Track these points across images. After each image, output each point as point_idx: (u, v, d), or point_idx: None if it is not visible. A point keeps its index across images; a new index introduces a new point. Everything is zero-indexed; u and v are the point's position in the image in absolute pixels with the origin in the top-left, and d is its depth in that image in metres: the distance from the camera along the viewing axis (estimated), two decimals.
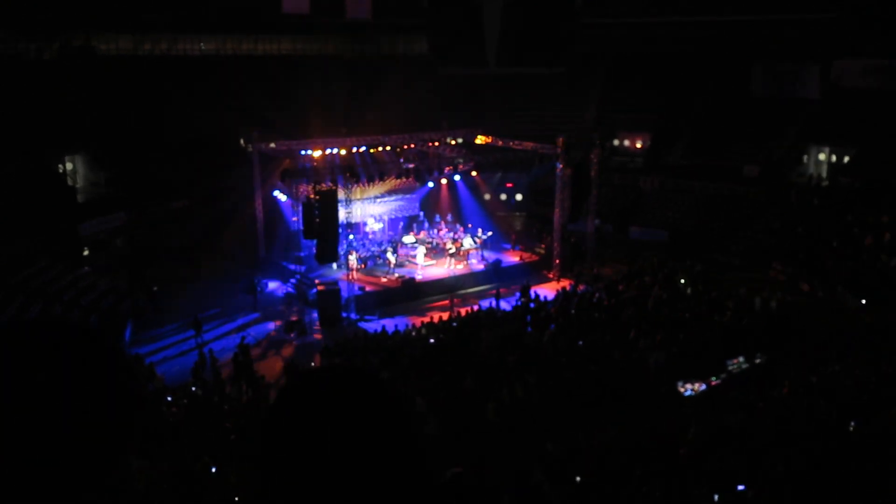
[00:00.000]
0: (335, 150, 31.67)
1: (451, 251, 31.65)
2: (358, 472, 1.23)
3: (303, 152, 31.37)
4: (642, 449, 15.48)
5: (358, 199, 32.35)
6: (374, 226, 34.33)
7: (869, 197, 32.99)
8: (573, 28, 48.67)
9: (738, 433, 15.86)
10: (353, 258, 29.64)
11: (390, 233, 34.47)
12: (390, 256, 30.98)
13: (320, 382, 1.33)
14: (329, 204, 27.21)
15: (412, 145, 34.23)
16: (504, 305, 27.96)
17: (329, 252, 28.02)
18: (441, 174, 33.50)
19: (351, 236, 29.92)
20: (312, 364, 23.01)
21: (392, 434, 1.28)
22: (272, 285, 31.13)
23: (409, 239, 33.20)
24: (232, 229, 33.45)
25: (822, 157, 40.14)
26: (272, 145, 32.01)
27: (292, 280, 31.35)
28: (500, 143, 34.80)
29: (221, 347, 24.26)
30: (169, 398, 19.05)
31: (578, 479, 14.06)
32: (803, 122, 41.18)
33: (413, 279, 30.06)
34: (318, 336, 26.43)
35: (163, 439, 15.03)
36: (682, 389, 20.11)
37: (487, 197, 37.85)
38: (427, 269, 31.40)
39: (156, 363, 22.44)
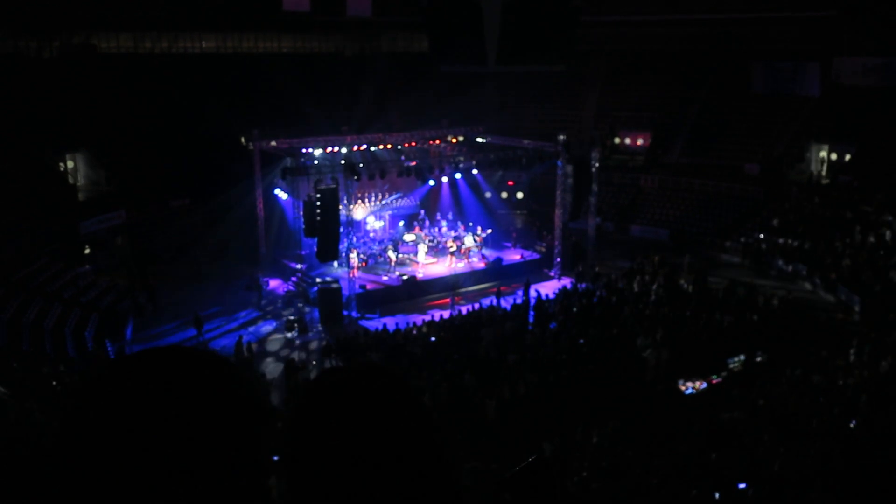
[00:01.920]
0: (336, 148, 31.68)
1: (451, 249, 31.65)
2: (385, 474, 1.23)
3: (304, 150, 31.37)
4: (643, 447, 15.51)
5: (359, 197, 32.39)
6: (374, 224, 34.35)
7: (869, 195, 32.99)
8: (573, 26, 48.60)
9: (738, 431, 15.88)
10: (354, 256, 29.67)
11: (391, 231, 34.49)
12: (391, 254, 31.00)
13: (347, 382, 1.32)
14: (330, 202, 27.20)
15: (413, 143, 34.24)
16: (505, 304, 27.97)
17: (330, 250, 28.03)
18: (442, 172, 33.51)
19: (352, 236, 29.93)
20: (321, 363, 23.04)
21: (419, 436, 1.29)
22: (273, 283, 31.14)
23: (409, 237, 33.22)
24: (233, 227, 33.43)
25: (822, 154, 40.12)
26: (273, 143, 32.00)
27: (293, 278, 31.36)
28: (501, 141, 34.81)
29: (222, 346, 24.29)
30: None
31: (579, 476, 14.09)
32: (803, 120, 41.15)
33: (414, 277, 30.08)
34: (319, 334, 26.44)
35: None
36: (682, 387, 20.15)
37: (488, 195, 37.86)
38: (428, 267, 31.42)
39: None
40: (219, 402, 1.22)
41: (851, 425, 15.43)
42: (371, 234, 33.78)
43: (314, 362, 23.19)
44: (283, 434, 1.29)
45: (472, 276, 31.05)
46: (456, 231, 33.75)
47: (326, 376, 1.35)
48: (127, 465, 1.13)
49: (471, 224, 34.26)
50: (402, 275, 30.17)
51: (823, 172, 39.31)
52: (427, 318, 25.86)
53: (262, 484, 1.24)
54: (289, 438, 1.28)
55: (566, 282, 30.47)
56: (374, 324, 26.49)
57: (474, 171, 34.35)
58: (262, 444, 1.25)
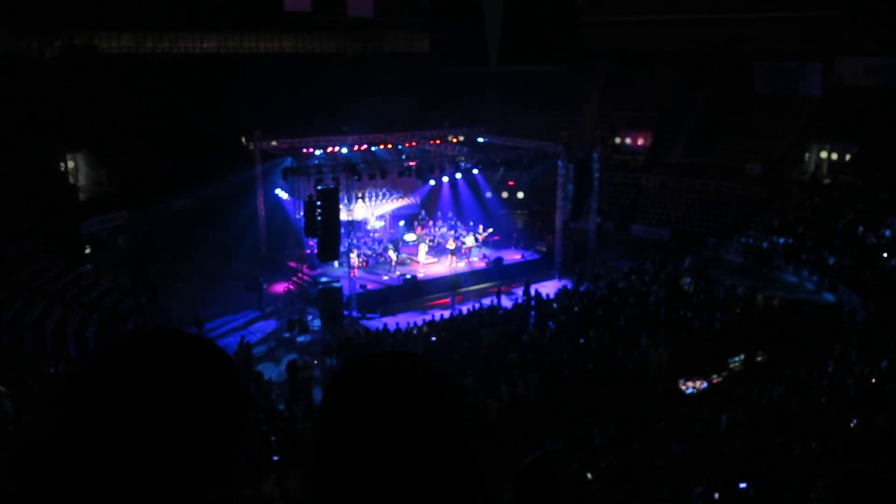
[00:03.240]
0: (337, 148, 31.70)
1: (452, 249, 31.68)
2: (414, 463, 1.21)
3: (305, 150, 31.39)
4: (644, 446, 15.50)
5: (359, 197, 32.41)
6: (375, 224, 34.36)
7: (871, 195, 32.96)
8: (574, 26, 48.67)
9: (739, 431, 15.88)
10: (354, 256, 29.69)
11: (392, 231, 34.51)
12: (392, 254, 31.01)
13: (376, 369, 1.30)
14: (330, 202, 27.22)
15: (414, 143, 34.25)
16: (505, 303, 27.96)
17: (331, 250, 28.03)
18: (443, 172, 33.52)
19: (353, 236, 29.96)
20: (322, 363, 23.03)
21: (449, 423, 1.27)
22: (274, 283, 31.14)
23: (410, 237, 33.24)
24: (234, 227, 33.46)
25: (823, 154, 40.09)
26: (274, 143, 32.02)
27: (294, 278, 31.37)
28: (502, 141, 34.81)
29: (223, 346, 24.21)
30: None
31: (579, 476, 14.08)
32: (805, 120, 41.14)
33: (414, 277, 30.07)
34: (319, 334, 26.43)
35: None
36: (683, 387, 20.14)
37: (489, 195, 37.87)
38: (428, 266, 31.42)
39: None
40: (207, 386, 1.23)
41: (852, 425, 15.42)
42: (372, 234, 33.80)
43: (315, 362, 23.19)
44: (313, 424, 1.28)
45: (473, 276, 31.04)
46: (456, 231, 33.76)
47: (356, 365, 1.33)
48: (118, 450, 1.15)
49: (471, 224, 34.28)
50: (402, 274, 30.18)
51: (825, 172, 39.28)
52: (428, 317, 25.85)
53: (230, 469, 1.25)
54: (318, 428, 1.26)
55: (567, 282, 30.47)
56: (374, 323, 26.49)
57: (475, 171, 34.36)
58: (244, 429, 1.27)
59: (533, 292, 27.74)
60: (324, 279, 28.71)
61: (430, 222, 34.54)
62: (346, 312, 27.93)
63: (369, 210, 33.90)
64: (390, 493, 1.19)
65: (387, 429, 1.21)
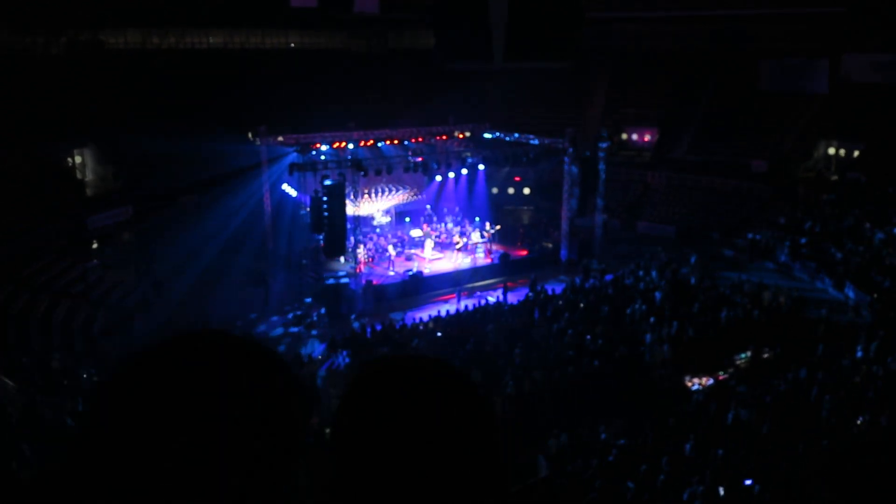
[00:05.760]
0: (343, 144, 31.74)
1: (458, 245, 31.68)
2: (438, 469, 1.11)
3: (311, 146, 31.43)
4: (648, 443, 15.51)
5: (366, 193, 32.46)
6: (381, 220, 34.38)
7: (878, 191, 32.86)
8: (580, 23, 48.52)
9: (745, 428, 15.87)
10: (360, 252, 29.70)
11: (398, 226, 34.54)
12: (394, 250, 31.04)
13: (411, 370, 1.21)
14: (336, 198, 27.25)
15: (419, 139, 34.26)
16: (511, 299, 27.94)
17: (337, 246, 28.06)
18: (448, 168, 33.53)
19: (359, 231, 29.97)
20: (327, 358, 23.08)
21: (478, 434, 1.17)
22: (280, 279, 31.16)
23: (416, 233, 33.25)
24: (240, 223, 33.49)
25: (830, 151, 39.95)
26: (280, 138, 32.04)
27: (300, 273, 31.39)
28: (508, 137, 34.79)
29: None
30: None
31: (584, 472, 14.10)
32: (811, 117, 40.98)
33: (420, 273, 30.09)
34: (325, 329, 26.45)
35: None
36: (689, 384, 20.14)
37: (495, 191, 37.84)
38: (434, 262, 31.44)
39: None
40: (257, 396, 1.10)
41: (858, 422, 15.41)
42: (377, 230, 33.83)
43: (321, 357, 23.23)
44: (332, 421, 1.18)
45: (479, 272, 31.04)
46: (462, 227, 33.77)
47: (378, 365, 1.23)
48: (152, 462, 1.02)
49: (477, 220, 34.28)
50: (408, 270, 30.20)
51: (832, 169, 39.15)
52: (433, 313, 25.86)
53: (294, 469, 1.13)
54: (336, 434, 1.17)
55: (572, 278, 30.43)
56: (380, 319, 26.49)
57: (481, 167, 34.34)
58: (305, 430, 1.15)
59: (539, 288, 27.75)
60: (329, 274, 28.76)
61: (436, 218, 34.55)
62: (351, 308, 27.94)
63: (375, 206, 33.93)
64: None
65: (416, 437, 1.12)
